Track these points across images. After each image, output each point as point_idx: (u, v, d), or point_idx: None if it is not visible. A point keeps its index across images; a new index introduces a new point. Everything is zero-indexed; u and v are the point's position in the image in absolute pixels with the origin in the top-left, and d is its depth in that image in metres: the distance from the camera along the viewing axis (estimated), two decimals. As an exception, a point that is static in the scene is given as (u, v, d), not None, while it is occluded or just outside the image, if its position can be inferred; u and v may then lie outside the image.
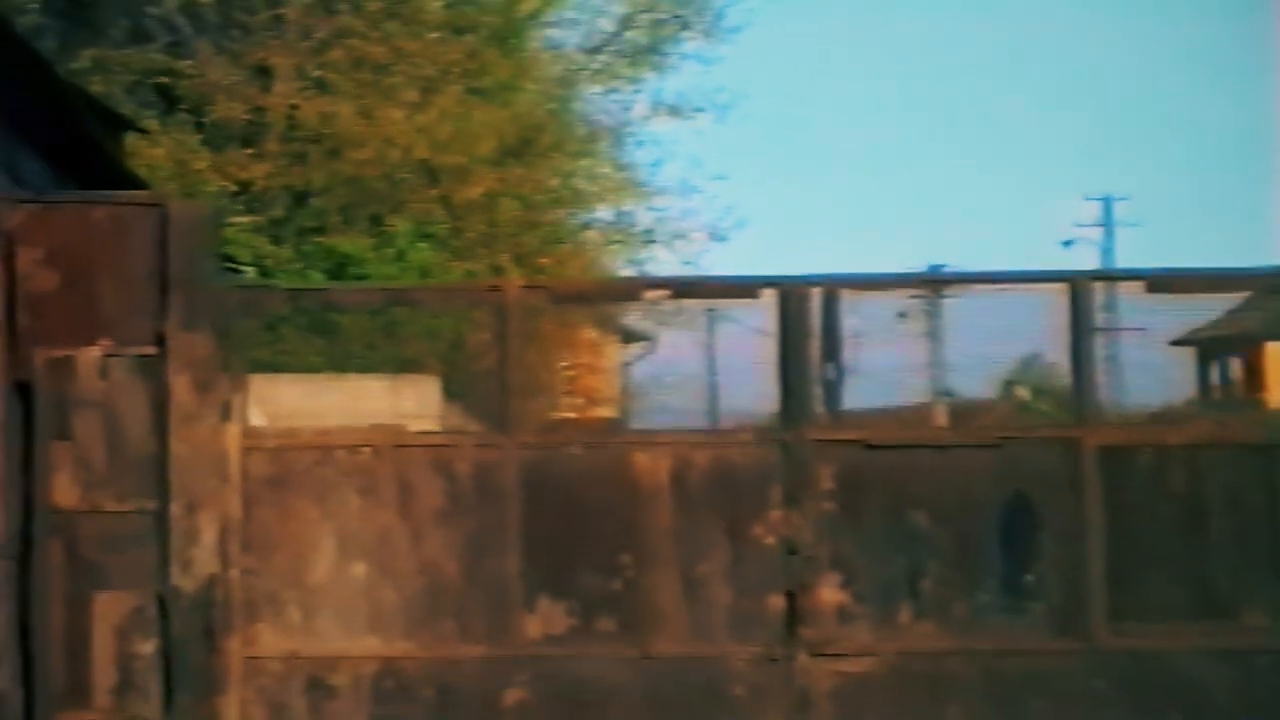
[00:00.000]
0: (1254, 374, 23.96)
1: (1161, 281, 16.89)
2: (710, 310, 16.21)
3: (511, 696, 15.44)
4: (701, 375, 15.01)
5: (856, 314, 16.42)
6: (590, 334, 18.61)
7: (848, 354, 16.60)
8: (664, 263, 25.12)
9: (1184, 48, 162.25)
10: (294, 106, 21.75)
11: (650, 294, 18.56)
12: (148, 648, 15.04)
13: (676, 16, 29.13)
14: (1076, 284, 16.26)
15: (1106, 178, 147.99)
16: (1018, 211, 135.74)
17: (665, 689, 15.48)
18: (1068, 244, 63.64)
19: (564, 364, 18.69)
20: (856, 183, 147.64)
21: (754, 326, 16.38)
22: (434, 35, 23.59)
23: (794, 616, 15.45)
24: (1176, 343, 18.80)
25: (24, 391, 15.11)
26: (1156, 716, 15.37)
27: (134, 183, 18.38)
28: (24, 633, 15.02)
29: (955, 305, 16.80)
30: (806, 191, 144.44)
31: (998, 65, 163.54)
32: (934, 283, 17.37)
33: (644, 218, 27.13)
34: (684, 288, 18.45)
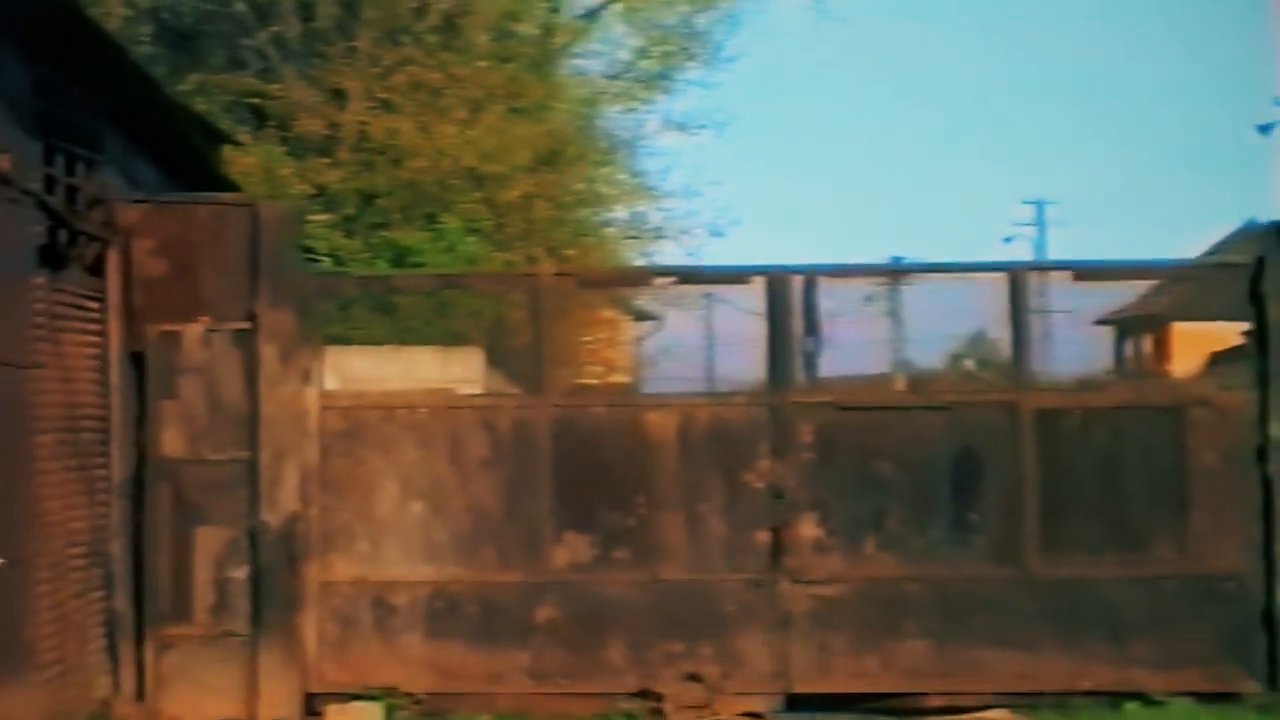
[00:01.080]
0: (1162, 349, 23.94)
1: (1086, 271, 17.08)
2: (709, 294, 16.17)
3: (543, 614, 15.61)
4: (701, 348, 15.02)
5: (831, 297, 16.39)
6: (608, 313, 18.63)
7: (824, 331, 16.43)
8: (670, 254, 25.11)
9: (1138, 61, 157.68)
10: (363, 123, 21.85)
11: (658, 281, 18.87)
12: (239, 574, 15.24)
13: (683, 49, 29.16)
14: (1015, 274, 16.49)
15: (1052, 180, 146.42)
16: (968, 211, 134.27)
17: (670, 608, 15.64)
18: (1008, 240, 63.76)
19: (586, 338, 18.65)
20: (833, 181, 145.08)
21: (746, 308, 16.43)
22: (482, 63, 23.57)
23: (778, 548, 15.60)
24: (1099, 322, 18.84)
25: (138, 360, 15.23)
26: (1079, 632, 15.44)
27: (230, 186, 18.59)
28: (136, 562, 15.22)
29: (913, 290, 16.64)
30: (792, 188, 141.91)
31: (962, 68, 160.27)
32: (895, 272, 17.35)
33: (654, 217, 27.12)
34: (686, 275, 18.54)
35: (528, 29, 25.82)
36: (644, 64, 28.47)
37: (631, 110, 28.89)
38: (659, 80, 28.45)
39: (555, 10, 26.72)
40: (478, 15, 23.69)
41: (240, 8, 22.48)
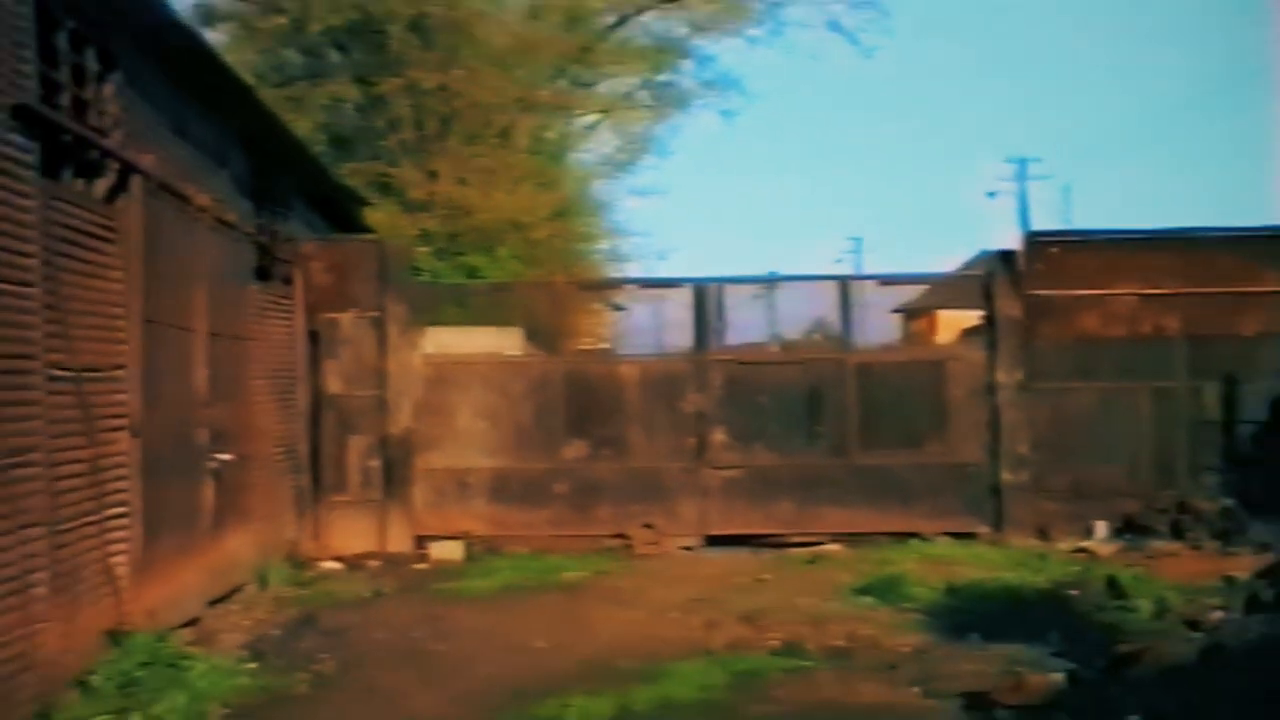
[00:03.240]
0: (932, 327, 23.10)
1: (887, 280, 17.81)
2: (657, 295, 16.41)
3: (558, 488, 16.39)
4: (653, 328, 15.55)
5: (732, 296, 16.90)
6: (596, 306, 18.81)
7: (727, 316, 16.90)
8: (633, 270, 24.78)
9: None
10: (449, 192, 21.93)
11: (626, 286, 19.29)
12: (375, 463, 16.06)
13: (643, 148, 28.29)
14: (843, 282, 17.13)
15: (1036, 138, 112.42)
16: (955, 168, 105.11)
17: (635, 483, 16.38)
18: (992, 194, 50.95)
19: (583, 321, 18.93)
20: (815, 135, 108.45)
21: (680, 303, 16.86)
22: (521, 155, 23.69)
23: (700, 448, 16.39)
24: (894, 311, 19.39)
25: (313, 335, 15.90)
26: (882, 497, 16.13)
27: (367, 230, 18.80)
28: (314, 456, 15.89)
29: (782, 292, 17.46)
30: (787, 175, 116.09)
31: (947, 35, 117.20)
32: (770, 281, 17.49)
33: (623, 248, 26.78)
34: (643, 283, 18.59)
35: (551, 135, 25.70)
36: (619, 156, 28.05)
37: (610, 183, 28.69)
38: (628, 165, 28.19)
39: (568, 124, 26.52)
40: (521, 128, 23.59)
41: (379, 123, 22.66)
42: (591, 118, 27.38)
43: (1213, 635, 8.92)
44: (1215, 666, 7.94)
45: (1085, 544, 15.29)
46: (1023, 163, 43.11)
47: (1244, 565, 12.48)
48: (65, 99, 8.64)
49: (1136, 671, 8.30)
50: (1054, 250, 16.45)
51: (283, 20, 23.26)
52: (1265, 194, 69.67)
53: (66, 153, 8.62)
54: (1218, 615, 10.06)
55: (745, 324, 17.44)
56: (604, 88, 26.94)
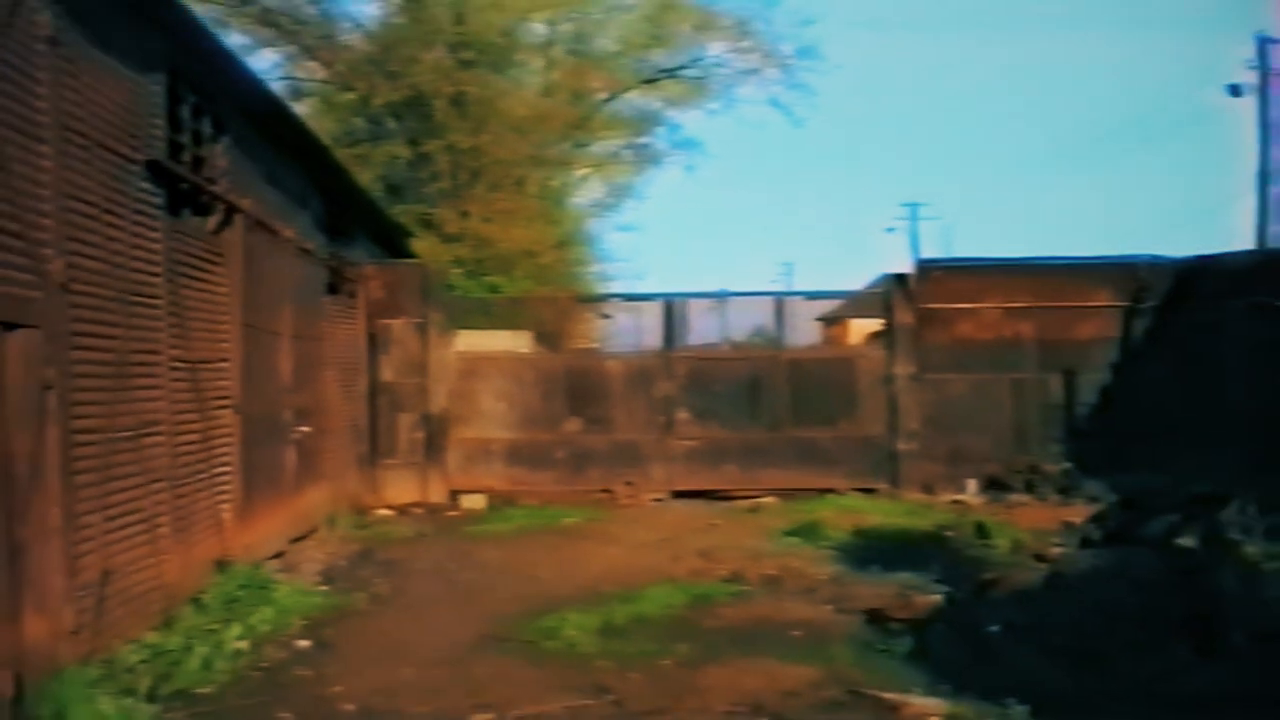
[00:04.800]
0: (846, 332, 22.84)
1: (811, 296, 18.09)
2: (634, 307, 16.46)
3: (558, 454, 16.30)
4: (632, 331, 15.55)
5: (692, 308, 17.03)
6: (589, 315, 18.93)
7: (689, 324, 17.05)
8: (618, 287, 24.62)
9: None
10: (477, 228, 21.89)
11: (612, 301, 19.40)
12: (419, 435, 15.93)
13: (621, 197, 28.71)
14: (778, 298, 17.37)
15: (930, 181, 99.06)
16: (863, 210, 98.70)
17: (618, 451, 16.31)
18: (890, 230, 49.05)
19: (578, 326, 18.95)
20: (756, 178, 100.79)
21: (654, 313, 16.89)
22: (533, 199, 23.84)
23: (668, 424, 16.34)
24: (817, 319, 19.51)
25: (371, 337, 15.58)
26: (807, 461, 16.06)
27: (413, 256, 18.56)
28: (372, 429, 15.77)
29: (731, 304, 17.55)
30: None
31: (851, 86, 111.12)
32: (723, 297, 17.51)
33: (610, 270, 26.82)
34: (625, 298, 18.75)
35: (555, 184, 25.79)
36: (607, 200, 28.22)
37: (599, 221, 28.76)
38: (613, 207, 28.36)
39: (568, 176, 26.56)
40: (533, 179, 23.66)
41: (423, 175, 22.66)
42: (586, 171, 27.54)
43: (1054, 566, 9.02)
44: (1055, 589, 8.08)
45: (960, 497, 15.36)
46: (914, 206, 44.00)
47: (1079, 513, 12.58)
48: (186, 156, 8.73)
49: (996, 593, 8.39)
50: (938, 273, 16.50)
51: (353, 96, 23.59)
52: (1114, 230, 70.36)
53: (186, 197, 8.69)
54: (1058, 551, 10.22)
55: (703, 329, 17.65)
56: (596, 148, 27.12)
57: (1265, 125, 24.52)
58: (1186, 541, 8.88)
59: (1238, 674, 6.38)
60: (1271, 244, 23.22)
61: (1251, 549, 8.90)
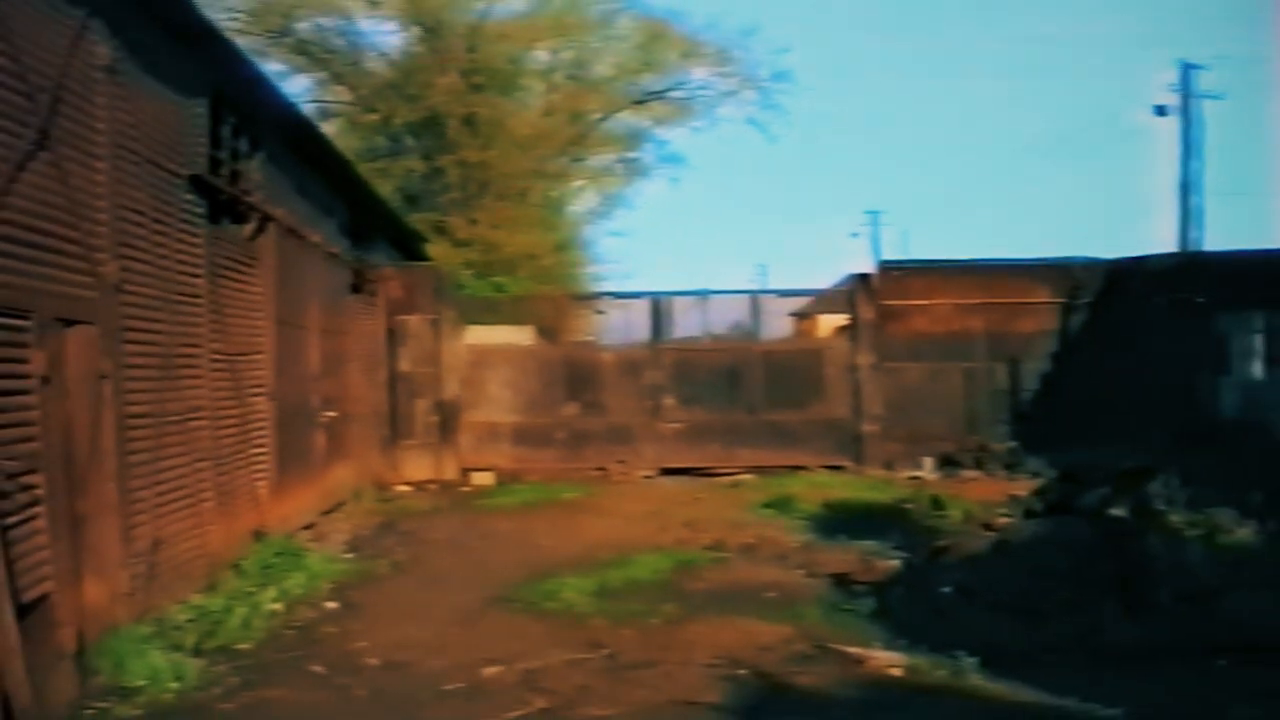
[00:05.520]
0: (815, 326, 20.93)
1: (784, 294, 17.93)
2: (625, 305, 16.21)
3: (558, 436, 16.19)
4: (623, 326, 15.38)
5: (677, 305, 16.82)
6: (584, 311, 18.73)
7: (674, 319, 16.83)
8: (610, 286, 24.24)
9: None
10: (485, 234, 21.81)
11: (605, 299, 18.76)
12: (433, 419, 15.74)
13: (612, 207, 28.21)
14: (753, 297, 17.29)
15: (893, 190, 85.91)
16: (833, 216, 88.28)
17: (611, 432, 16.18)
18: (854, 235, 47.60)
19: (575, 322, 18.78)
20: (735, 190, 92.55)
21: (643, 310, 16.74)
22: (535, 208, 23.83)
23: (656, 409, 16.25)
24: (790, 314, 19.26)
25: (391, 331, 15.42)
26: (781, 441, 15.93)
27: (428, 260, 18.28)
28: (392, 414, 15.37)
29: (712, 302, 17.39)
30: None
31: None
32: (704, 295, 17.19)
33: (602, 270, 26.72)
34: (616, 296, 18.28)
35: (554, 195, 25.77)
36: (600, 209, 27.93)
37: (594, 228, 28.55)
38: (606, 215, 28.12)
39: (566, 187, 26.57)
40: (535, 190, 23.69)
41: (437, 186, 22.68)
42: (582, 183, 27.59)
43: (1000, 534, 9.02)
44: (1001, 554, 8.10)
45: (917, 473, 15.34)
46: (875, 213, 43.90)
47: (1023, 487, 12.53)
48: (225, 170, 8.71)
49: (949, 558, 8.40)
50: (897, 273, 16.50)
51: (375, 116, 23.64)
52: (1052, 234, 70.11)
53: (224, 207, 8.68)
54: (1004, 521, 10.15)
55: (686, 324, 17.33)
56: (592, 162, 27.13)
57: (1187, 142, 25.15)
58: (1117, 511, 8.91)
59: (1162, 629, 6.45)
60: (1191, 248, 23.59)
61: (1175, 517, 9.00)
